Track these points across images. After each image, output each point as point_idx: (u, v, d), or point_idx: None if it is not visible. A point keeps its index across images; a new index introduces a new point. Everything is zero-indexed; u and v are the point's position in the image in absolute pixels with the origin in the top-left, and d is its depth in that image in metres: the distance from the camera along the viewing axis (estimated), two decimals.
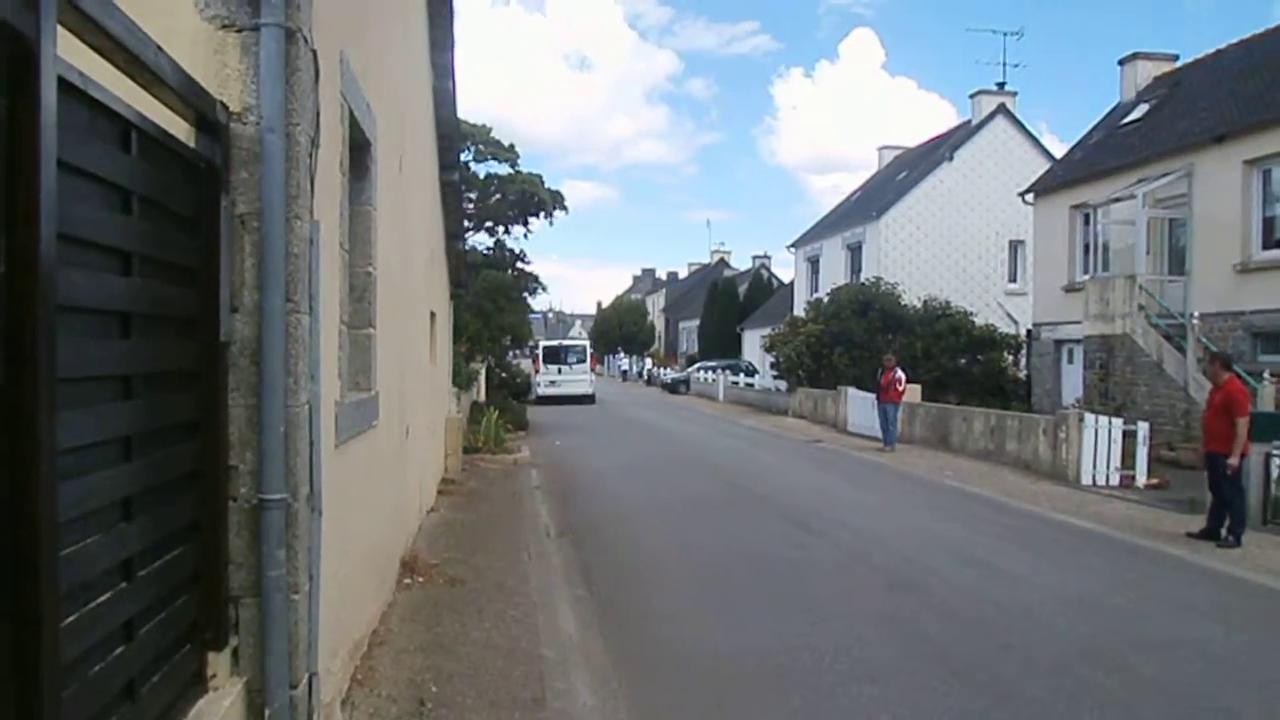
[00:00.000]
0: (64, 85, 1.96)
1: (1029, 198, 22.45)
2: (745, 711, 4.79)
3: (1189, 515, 10.29)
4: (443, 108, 9.83)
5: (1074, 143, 23.39)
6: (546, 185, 26.16)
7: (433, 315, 10.50)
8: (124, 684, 2.39)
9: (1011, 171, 28.55)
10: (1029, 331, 22.91)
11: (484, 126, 25.64)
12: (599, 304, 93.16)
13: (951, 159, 29.88)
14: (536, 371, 34.91)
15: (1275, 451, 10.12)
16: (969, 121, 31.32)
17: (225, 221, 3.14)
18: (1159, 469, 13.84)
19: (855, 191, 38.97)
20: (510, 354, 30.99)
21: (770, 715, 4.74)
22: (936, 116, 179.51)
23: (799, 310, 30.58)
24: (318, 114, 3.57)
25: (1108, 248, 18.90)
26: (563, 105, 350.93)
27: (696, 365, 44.62)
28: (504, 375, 28.31)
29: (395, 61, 6.45)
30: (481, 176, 25.93)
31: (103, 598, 2.26)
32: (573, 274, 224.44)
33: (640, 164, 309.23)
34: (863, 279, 28.28)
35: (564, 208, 26.67)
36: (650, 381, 52.94)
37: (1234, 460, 9.00)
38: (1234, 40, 19.68)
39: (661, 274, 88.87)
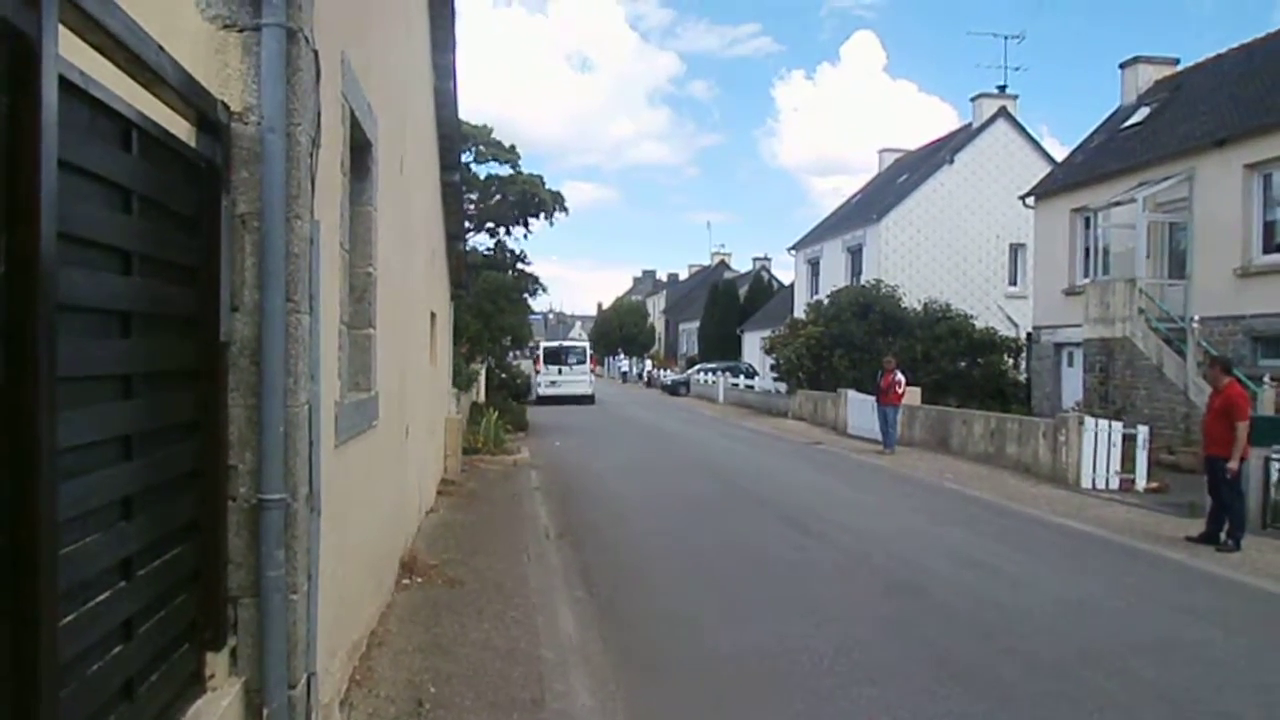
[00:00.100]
0: (65, 84, 1.96)
1: (1030, 201, 22.47)
2: (745, 713, 4.79)
3: (1189, 519, 10.28)
4: (444, 108, 9.83)
5: (1075, 146, 23.42)
6: (547, 186, 26.14)
7: (433, 316, 10.50)
8: (122, 683, 2.39)
9: (1012, 175, 28.56)
10: (1029, 335, 22.91)
11: (485, 127, 25.63)
12: (599, 305, 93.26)
13: (952, 162, 29.89)
14: (537, 372, 35.28)
15: (1275, 455, 10.11)
16: (970, 124, 31.34)
17: (226, 221, 3.14)
18: (1159, 473, 13.83)
19: (856, 194, 38.99)
20: (510, 355, 30.99)
21: (770, 717, 4.74)
22: (937, 119, 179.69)
23: (799, 312, 30.57)
24: (319, 114, 3.57)
25: (1108, 251, 18.91)
26: (564, 106, 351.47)
27: (696, 367, 44.63)
28: (504, 376, 28.31)
29: (397, 62, 6.46)
30: (482, 177, 25.92)
31: (101, 597, 2.26)
32: (573, 275, 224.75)
33: (641, 165, 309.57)
34: (863, 281, 28.29)
35: (564, 209, 26.65)
36: (650, 383, 52.96)
37: (1233, 464, 9.00)
38: (1235, 44, 19.72)
39: (662, 275, 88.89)
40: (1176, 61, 21.87)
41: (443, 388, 13.19)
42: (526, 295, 28.48)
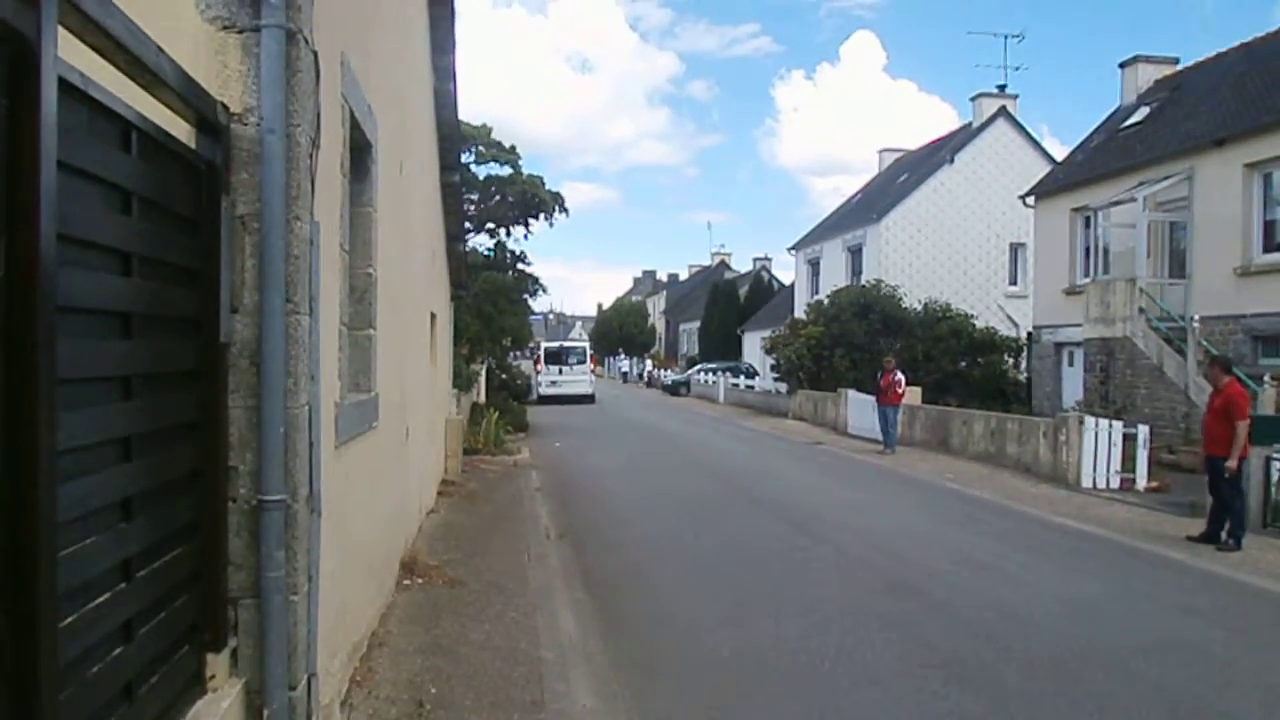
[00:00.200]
0: (65, 86, 1.96)
1: (1030, 200, 22.46)
2: (746, 714, 4.78)
3: (1189, 518, 10.27)
4: (444, 109, 9.83)
5: (1075, 146, 23.41)
6: (547, 187, 26.14)
7: (433, 317, 10.50)
8: (122, 685, 2.39)
9: (1012, 174, 28.56)
10: (1029, 334, 22.91)
11: (485, 127, 25.61)
12: (599, 306, 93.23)
13: (952, 161, 29.88)
14: (538, 372, 35.85)
15: (1275, 455, 10.11)
16: (970, 124, 31.33)
17: (225, 222, 3.15)
18: (1159, 472, 13.83)
19: (856, 194, 38.99)
20: (511, 356, 31.02)
21: (771, 718, 4.74)
22: (937, 119, 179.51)
23: (799, 312, 30.58)
24: (318, 115, 3.58)
25: (1108, 251, 18.92)
26: (564, 107, 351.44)
27: (697, 367, 44.64)
28: (504, 377, 28.32)
29: (396, 63, 6.46)
30: (482, 178, 25.91)
31: (102, 598, 2.26)
32: (574, 276, 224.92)
33: (641, 166, 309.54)
34: (863, 281, 28.28)
35: (565, 209, 26.63)
36: (650, 383, 52.96)
37: (1232, 463, 8.99)
38: (1235, 44, 19.72)
39: (662, 276, 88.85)
40: (1176, 61, 21.88)
41: (443, 388, 13.19)
42: (527, 296, 28.48)
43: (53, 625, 1.89)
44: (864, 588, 7.37)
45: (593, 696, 4.88)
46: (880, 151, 38.75)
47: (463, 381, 18.13)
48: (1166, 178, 17.24)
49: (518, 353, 34.36)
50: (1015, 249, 29.48)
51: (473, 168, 25.23)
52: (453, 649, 5.42)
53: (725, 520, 10.36)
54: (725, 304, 48.96)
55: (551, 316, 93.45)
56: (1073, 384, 20.09)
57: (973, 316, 25.31)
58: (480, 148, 25.22)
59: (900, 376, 18.02)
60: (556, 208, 26.43)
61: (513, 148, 26.00)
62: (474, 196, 25.24)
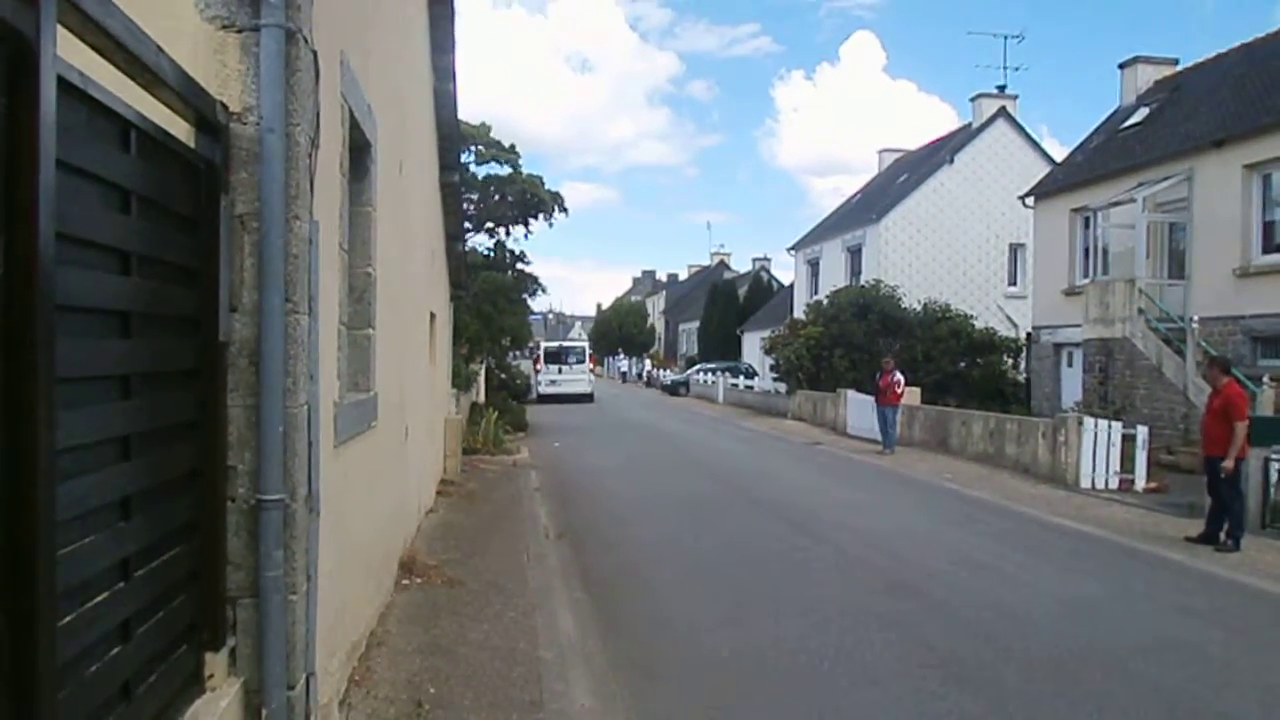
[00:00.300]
0: (64, 85, 1.96)
1: (1029, 201, 22.47)
2: (745, 715, 4.79)
3: (1188, 519, 10.28)
4: (443, 109, 9.83)
5: (1074, 146, 23.42)
6: (547, 186, 26.13)
7: (432, 316, 10.50)
8: (121, 684, 2.39)
9: (1012, 175, 28.56)
10: (1029, 335, 22.92)
11: (484, 126, 25.58)
12: (599, 306, 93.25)
13: (952, 162, 29.89)
14: (537, 371, 36.45)
15: (1274, 456, 10.11)
16: (970, 124, 31.34)
17: (225, 221, 3.15)
18: (1158, 473, 13.84)
19: (855, 194, 38.99)
20: (510, 355, 31.04)
21: (771, 719, 4.74)
22: (937, 119, 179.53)
23: (799, 313, 30.59)
24: (318, 115, 3.58)
25: (1108, 251, 18.92)
26: (564, 107, 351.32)
27: (696, 367, 44.64)
28: (504, 376, 28.33)
29: (396, 63, 6.46)
30: (481, 177, 25.90)
31: (100, 597, 2.26)
32: (574, 276, 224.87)
33: (641, 166, 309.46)
34: (862, 281, 28.29)
35: (564, 209, 26.62)
36: (650, 383, 52.97)
37: (1228, 463, 9.00)
38: (1235, 44, 19.72)
39: (662, 276, 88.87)
40: (1176, 62, 21.89)
41: (442, 388, 13.19)
42: (526, 296, 28.48)
43: (51, 624, 1.89)
44: (863, 588, 7.37)
45: (591, 696, 4.88)
46: (880, 152, 38.76)
47: (462, 381, 18.13)
48: (1166, 178, 17.25)
49: (517, 352, 34.43)
50: (1015, 249, 29.50)
51: (472, 167, 25.24)
52: (451, 649, 5.42)
53: (724, 520, 10.36)
54: (724, 304, 48.96)
55: (551, 316, 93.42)
56: (1072, 384, 20.10)
57: (972, 317, 25.33)
58: (480, 147, 25.21)
59: (899, 377, 18.03)
60: (556, 207, 26.43)
61: (512, 147, 25.98)
62: (473, 196, 25.24)
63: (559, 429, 22.88)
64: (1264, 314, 14.96)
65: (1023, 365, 23.94)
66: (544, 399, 34.00)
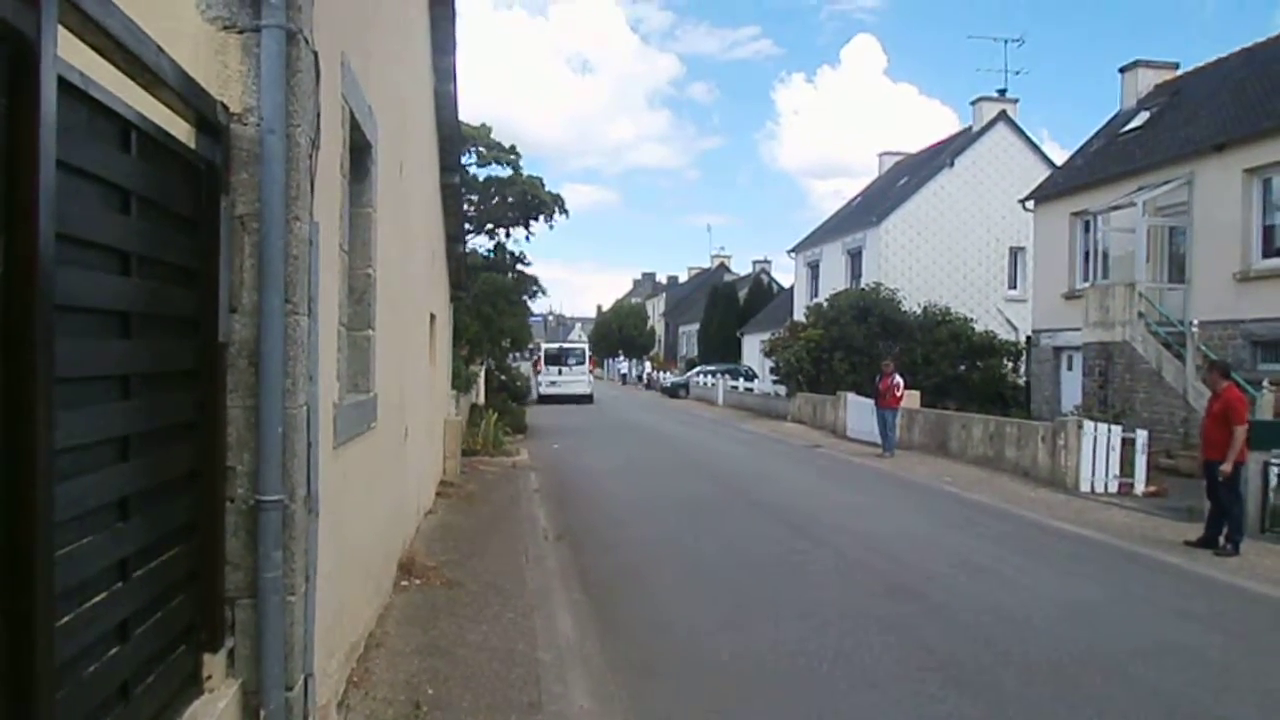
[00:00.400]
0: (64, 85, 1.97)
1: (1029, 204, 22.48)
2: (744, 718, 4.78)
3: (1187, 523, 10.28)
4: (444, 110, 9.84)
5: (1075, 150, 23.43)
6: (547, 188, 26.13)
7: (432, 317, 10.50)
8: (119, 685, 2.39)
9: (1012, 178, 28.58)
10: (1028, 338, 22.92)
11: (485, 128, 25.58)
12: (599, 307, 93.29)
13: (952, 165, 29.91)
14: (537, 373, 37.21)
15: (1273, 460, 10.11)
16: (970, 128, 31.36)
17: (225, 222, 3.15)
18: (1158, 476, 13.83)
19: (856, 197, 39.01)
20: (510, 357, 31.07)
21: None
22: (938, 123, 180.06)
23: (799, 315, 30.58)
24: (318, 116, 3.58)
25: (1108, 255, 18.93)
26: (564, 108, 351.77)
27: (696, 369, 44.64)
28: (503, 378, 28.31)
29: (397, 64, 6.46)
30: (482, 179, 25.91)
31: (98, 598, 2.26)
32: (574, 277, 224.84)
33: (642, 168, 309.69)
34: (863, 284, 28.31)
35: (565, 211, 26.61)
36: (649, 385, 52.97)
37: (1226, 466, 8.99)
38: (1235, 49, 19.74)
39: (662, 278, 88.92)
40: (1176, 66, 21.91)
41: (442, 389, 13.19)
42: (526, 297, 28.49)
43: (49, 624, 1.89)
44: (862, 591, 7.37)
45: (590, 698, 4.87)
46: (880, 155, 38.82)
47: (462, 383, 18.13)
48: (1166, 182, 17.26)
49: (517, 354, 34.54)
50: (1015, 253, 29.52)
51: (473, 169, 25.25)
52: (450, 650, 5.41)
53: (724, 522, 10.36)
54: (725, 306, 48.98)
55: (551, 318, 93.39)
56: (1071, 388, 20.09)
57: (972, 320, 25.34)
58: (481, 149, 25.21)
59: (899, 380, 18.03)
60: (556, 209, 26.42)
61: (513, 148, 25.98)
62: (474, 197, 25.24)
63: (558, 430, 22.87)
64: (1264, 318, 14.96)
65: (1022, 369, 23.94)
66: (544, 399, 34.64)
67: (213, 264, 3.06)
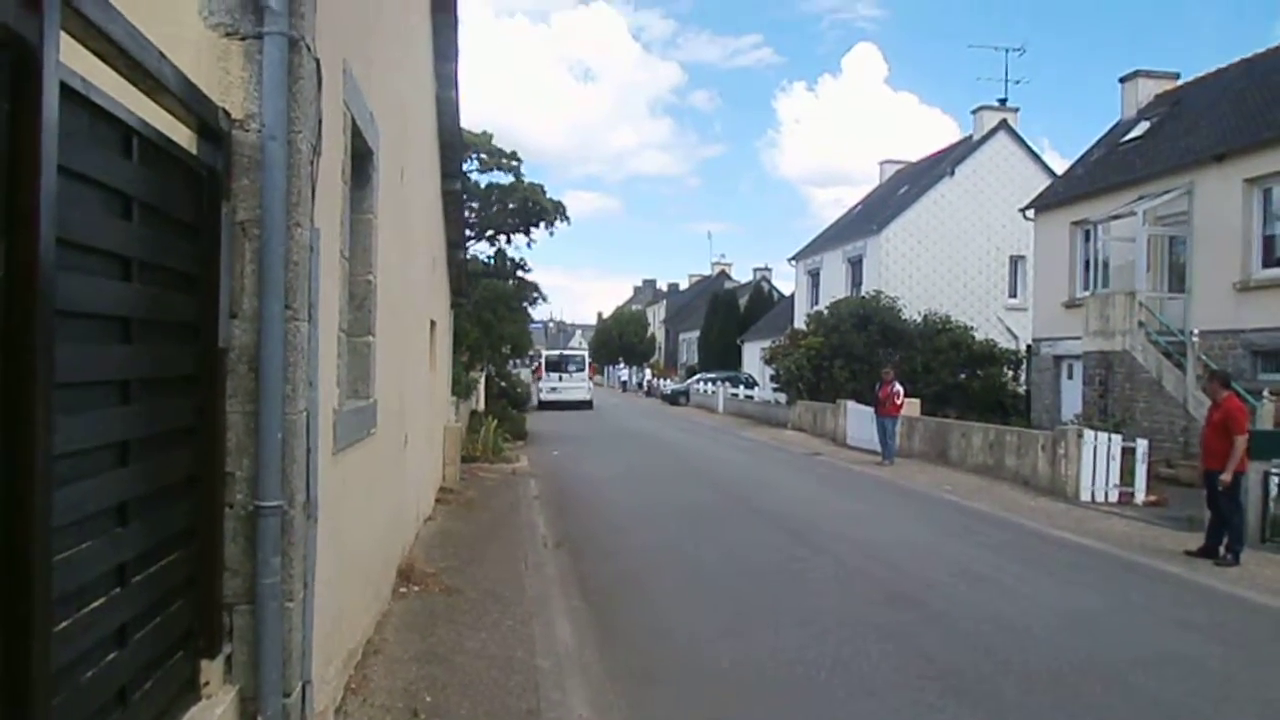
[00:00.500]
0: (66, 90, 1.97)
1: (1030, 213, 22.50)
2: None
3: (1187, 533, 10.26)
4: (445, 117, 9.86)
5: (1075, 159, 23.46)
6: (549, 195, 26.18)
7: (433, 324, 10.50)
8: (116, 690, 2.39)
9: (1013, 187, 28.61)
10: (1029, 347, 22.92)
11: (486, 134, 25.63)
12: (600, 314, 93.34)
13: (953, 174, 29.95)
14: (538, 379, 37.74)
15: (1274, 470, 10.10)
16: (970, 137, 31.42)
17: (226, 228, 3.15)
18: (1158, 486, 13.81)
19: (856, 205, 39.07)
20: (510, 363, 31.10)
21: None
22: (938, 131, 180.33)
23: (799, 323, 30.60)
24: (320, 122, 3.59)
25: (1108, 264, 18.93)
26: (566, 116, 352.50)
27: (696, 377, 44.64)
28: (503, 384, 28.31)
29: (398, 71, 6.48)
30: (483, 186, 25.94)
31: (96, 603, 2.25)
32: (575, 284, 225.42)
33: (643, 175, 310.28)
34: (863, 292, 28.33)
35: (566, 218, 26.65)
36: (650, 392, 52.96)
37: (1226, 476, 8.98)
38: (1236, 59, 19.78)
39: (662, 285, 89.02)
40: (1177, 76, 21.94)
41: (442, 396, 13.19)
42: (527, 304, 28.50)
43: (46, 630, 1.88)
44: (862, 599, 7.35)
45: (588, 706, 4.86)
46: (881, 163, 38.89)
47: (462, 389, 18.13)
48: (1166, 192, 17.28)
49: (517, 361, 34.55)
50: (1015, 261, 29.53)
51: (474, 175, 25.29)
52: (448, 657, 5.40)
53: (723, 530, 10.34)
54: (725, 314, 49.01)
55: (551, 325, 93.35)
56: (1072, 397, 20.09)
57: (972, 328, 25.34)
58: (482, 155, 25.27)
59: (899, 388, 18.01)
60: (557, 216, 26.46)
61: (514, 154, 26.02)
62: (475, 204, 25.28)
63: (558, 437, 22.86)
64: (1264, 328, 14.96)
65: (1023, 377, 23.94)
66: (544, 406, 34.86)
67: (213, 270, 3.07)
